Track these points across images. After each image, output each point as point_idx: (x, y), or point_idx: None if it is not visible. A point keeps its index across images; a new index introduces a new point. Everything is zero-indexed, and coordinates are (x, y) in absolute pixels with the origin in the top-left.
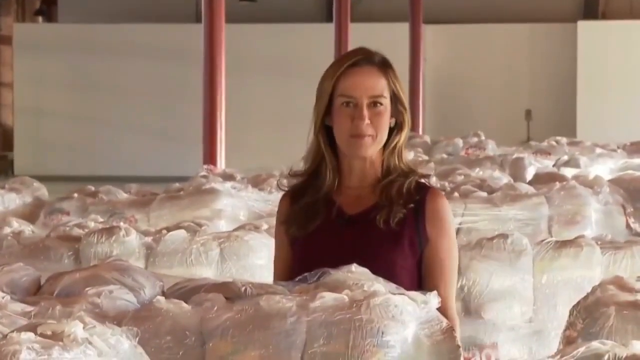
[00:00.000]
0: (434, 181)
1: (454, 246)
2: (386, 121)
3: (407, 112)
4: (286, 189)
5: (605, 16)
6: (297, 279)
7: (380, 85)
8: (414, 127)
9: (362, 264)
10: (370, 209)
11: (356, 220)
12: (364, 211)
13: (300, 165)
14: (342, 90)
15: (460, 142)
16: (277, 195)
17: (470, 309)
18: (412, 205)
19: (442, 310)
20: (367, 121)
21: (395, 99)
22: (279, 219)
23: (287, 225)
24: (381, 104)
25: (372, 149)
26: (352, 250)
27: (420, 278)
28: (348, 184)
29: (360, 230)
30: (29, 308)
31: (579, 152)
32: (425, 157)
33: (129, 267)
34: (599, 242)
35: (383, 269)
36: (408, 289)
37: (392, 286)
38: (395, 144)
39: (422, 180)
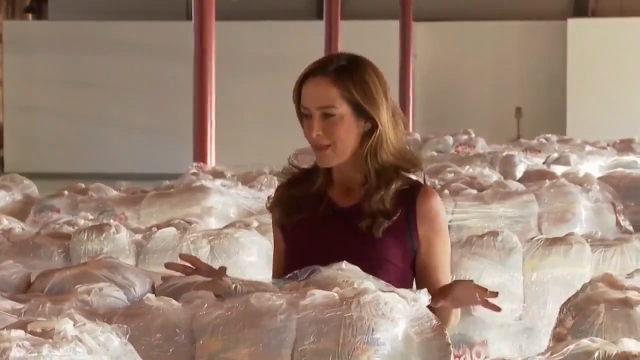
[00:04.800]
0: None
1: (448, 240)
2: (342, 129)
3: (382, 109)
4: (283, 178)
5: (595, 14)
6: (287, 277)
7: (329, 95)
8: (404, 125)
9: (350, 257)
10: (360, 204)
11: (345, 214)
12: (353, 205)
13: (283, 163)
14: (301, 101)
15: (450, 139)
16: (267, 193)
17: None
18: (395, 216)
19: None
20: (317, 132)
21: (356, 105)
22: (271, 205)
23: (274, 212)
24: (333, 114)
25: (335, 160)
26: (340, 243)
27: (411, 275)
28: (338, 179)
29: (348, 224)
30: (19, 305)
31: (569, 150)
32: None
33: (119, 264)
34: (589, 240)
35: (370, 264)
36: (399, 284)
37: (382, 284)
38: (369, 146)
39: (413, 179)
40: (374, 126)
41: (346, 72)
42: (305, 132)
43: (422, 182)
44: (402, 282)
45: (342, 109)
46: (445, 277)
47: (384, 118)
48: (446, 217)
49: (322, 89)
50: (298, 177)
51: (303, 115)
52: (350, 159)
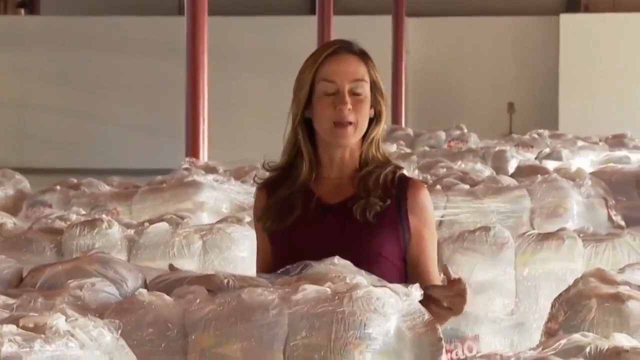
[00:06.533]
0: (416, 174)
1: (435, 234)
2: (366, 109)
3: (386, 103)
4: (261, 181)
5: (587, 9)
6: (279, 272)
7: (361, 70)
8: (397, 120)
9: (343, 253)
10: (350, 199)
11: (336, 210)
12: (343, 201)
13: (273, 158)
14: (323, 76)
15: (442, 134)
16: None
17: None
18: (389, 200)
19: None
20: (349, 106)
21: (374, 88)
22: (255, 215)
23: (263, 220)
24: (362, 91)
25: (354, 138)
26: (332, 240)
27: (405, 271)
28: (327, 174)
29: (340, 220)
30: (10, 301)
31: (561, 145)
32: (408, 150)
33: (111, 259)
34: (581, 235)
35: (364, 259)
36: (393, 279)
37: (374, 278)
38: (375, 134)
39: (401, 172)
40: (378, 115)
41: (367, 55)
42: (325, 110)
43: (409, 176)
44: (396, 275)
45: (367, 89)
46: (435, 270)
47: (387, 108)
48: (434, 210)
49: (353, 64)
50: (278, 177)
51: (324, 94)
52: (354, 145)
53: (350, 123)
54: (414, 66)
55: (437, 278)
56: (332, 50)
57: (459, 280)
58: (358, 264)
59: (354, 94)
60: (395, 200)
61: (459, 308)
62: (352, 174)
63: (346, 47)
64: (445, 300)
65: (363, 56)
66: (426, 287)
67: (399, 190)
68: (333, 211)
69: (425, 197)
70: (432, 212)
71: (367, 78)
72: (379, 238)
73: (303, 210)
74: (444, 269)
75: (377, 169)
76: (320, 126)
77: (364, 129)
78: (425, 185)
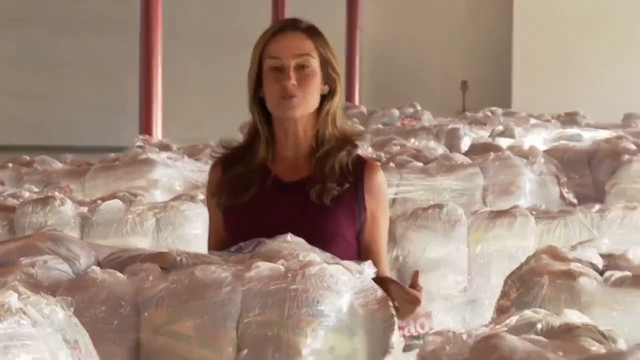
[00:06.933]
0: (369, 152)
1: (388, 215)
2: (314, 84)
3: (340, 79)
4: (217, 155)
5: None
6: (232, 249)
7: (306, 46)
8: (350, 98)
9: (299, 232)
10: (306, 179)
11: (292, 189)
12: (299, 180)
13: (230, 136)
14: (269, 53)
15: (396, 112)
16: None
17: (404, 279)
18: (347, 184)
19: (382, 273)
20: (293, 81)
21: (325, 64)
22: (209, 190)
23: (218, 196)
24: (308, 66)
25: (301, 110)
26: (288, 218)
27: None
28: (283, 153)
29: (296, 199)
30: None
31: (514, 123)
32: (362, 128)
33: (63, 237)
34: (533, 212)
35: (320, 238)
36: (348, 257)
37: (328, 256)
38: (328, 111)
39: (357, 153)
40: (332, 91)
41: (316, 31)
42: (272, 87)
43: (365, 157)
44: (351, 254)
45: (315, 63)
46: (384, 251)
47: (341, 85)
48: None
49: (298, 40)
50: (235, 154)
51: (270, 71)
52: (307, 121)
53: (297, 96)
54: (368, 43)
55: (386, 259)
56: (277, 28)
57: (420, 290)
58: (314, 242)
59: (299, 68)
60: (353, 181)
61: (405, 313)
62: (308, 152)
63: (292, 25)
64: (398, 300)
65: (310, 32)
66: (390, 281)
67: (356, 172)
68: (290, 190)
69: (382, 179)
70: (387, 193)
71: (314, 54)
72: (335, 218)
73: (259, 187)
74: (415, 276)
75: (332, 151)
76: (269, 103)
77: (313, 104)
78: (379, 164)
